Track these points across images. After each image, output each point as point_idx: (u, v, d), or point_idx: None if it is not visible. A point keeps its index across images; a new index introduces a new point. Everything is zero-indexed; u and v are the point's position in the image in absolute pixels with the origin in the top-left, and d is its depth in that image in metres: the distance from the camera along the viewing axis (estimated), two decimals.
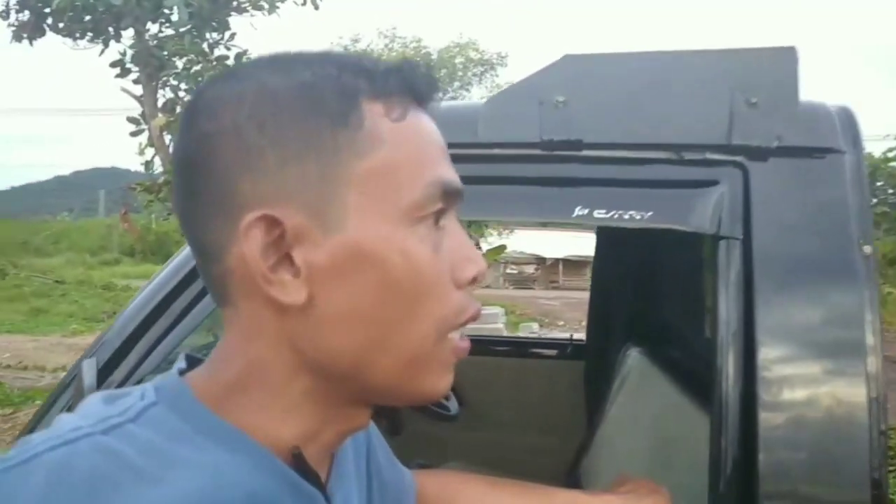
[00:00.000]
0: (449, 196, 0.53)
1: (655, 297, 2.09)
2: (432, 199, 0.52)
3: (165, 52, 10.02)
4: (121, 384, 1.16)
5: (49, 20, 10.07)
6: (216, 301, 0.55)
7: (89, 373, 1.16)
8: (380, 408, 0.59)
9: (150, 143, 9.93)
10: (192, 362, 0.57)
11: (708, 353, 1.02)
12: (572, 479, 1.84)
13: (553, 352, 2.65)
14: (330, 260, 0.50)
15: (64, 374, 1.63)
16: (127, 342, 1.20)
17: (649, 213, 1.03)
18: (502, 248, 10.25)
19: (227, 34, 10.37)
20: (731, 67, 1.06)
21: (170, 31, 10.16)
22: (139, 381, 1.00)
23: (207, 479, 0.48)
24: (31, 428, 1.29)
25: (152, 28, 10.22)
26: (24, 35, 10.16)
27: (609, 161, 1.08)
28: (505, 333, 8.24)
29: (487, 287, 16.57)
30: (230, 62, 9.87)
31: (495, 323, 8.84)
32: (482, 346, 2.54)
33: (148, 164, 10.03)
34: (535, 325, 11.17)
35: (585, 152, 1.07)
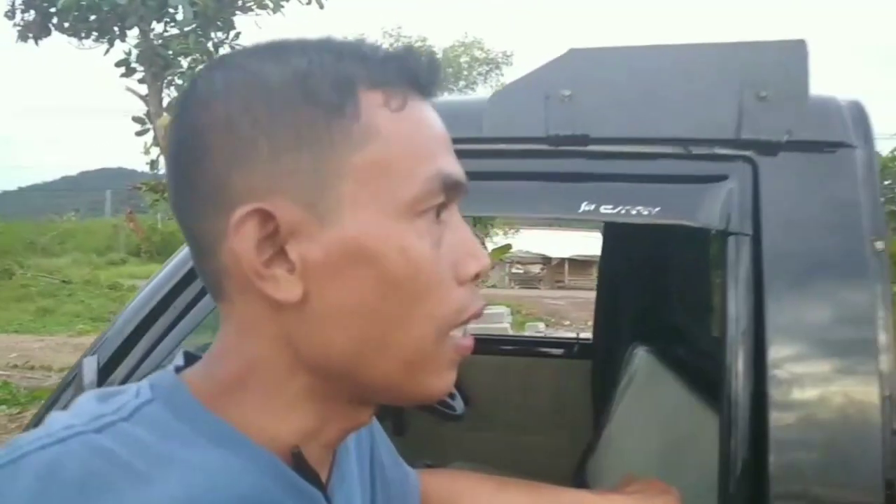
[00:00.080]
0: (450, 189, 0.51)
1: (663, 295, 2.08)
2: (432, 193, 0.50)
3: (170, 52, 10.02)
4: (122, 382, 1.15)
5: (54, 20, 10.09)
6: (213, 296, 0.53)
7: (90, 371, 1.16)
8: (385, 408, 0.58)
9: (156, 143, 9.95)
10: (190, 359, 0.56)
11: (717, 352, 1.00)
12: (579, 478, 1.82)
13: (560, 351, 2.63)
14: (326, 255, 0.48)
15: None
16: (128, 340, 1.19)
17: (657, 209, 1.01)
18: (508, 247, 10.27)
19: (231, 33, 10.36)
20: (739, 61, 1.05)
21: (175, 31, 10.16)
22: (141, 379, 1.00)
23: (200, 479, 0.46)
24: (31, 427, 1.29)
25: (157, 27, 10.22)
26: (30, 35, 10.18)
27: (616, 156, 1.06)
28: (511, 333, 8.21)
29: (493, 286, 16.58)
30: None
31: (501, 322, 8.81)
32: (488, 345, 2.53)
33: (153, 164, 10.06)
34: (542, 325, 11.13)
35: (592, 147, 1.06)
